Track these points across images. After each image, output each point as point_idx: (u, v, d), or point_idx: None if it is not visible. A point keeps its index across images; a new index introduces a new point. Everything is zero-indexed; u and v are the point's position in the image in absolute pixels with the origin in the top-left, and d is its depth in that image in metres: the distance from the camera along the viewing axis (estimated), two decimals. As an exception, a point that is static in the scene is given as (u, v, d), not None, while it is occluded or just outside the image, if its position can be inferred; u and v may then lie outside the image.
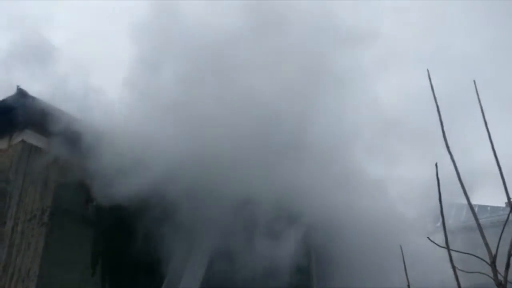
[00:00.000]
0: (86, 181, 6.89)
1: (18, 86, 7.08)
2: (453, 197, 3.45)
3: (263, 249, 7.60)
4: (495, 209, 13.00)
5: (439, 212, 2.90)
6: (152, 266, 7.46)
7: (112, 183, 6.83)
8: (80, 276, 7.20)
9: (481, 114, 3.22)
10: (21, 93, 7.10)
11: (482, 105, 3.25)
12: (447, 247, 2.63)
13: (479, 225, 2.80)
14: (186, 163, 7.24)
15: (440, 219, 2.87)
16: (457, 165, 2.99)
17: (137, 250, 7.23)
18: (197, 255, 7.74)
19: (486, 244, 2.70)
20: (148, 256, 7.33)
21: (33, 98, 7.19)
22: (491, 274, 2.66)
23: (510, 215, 2.64)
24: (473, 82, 3.39)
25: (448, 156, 3.00)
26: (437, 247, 2.87)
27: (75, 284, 7.11)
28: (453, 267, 2.63)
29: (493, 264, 2.66)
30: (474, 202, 3.07)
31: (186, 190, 7.24)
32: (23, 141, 7.27)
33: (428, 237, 2.88)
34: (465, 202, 2.97)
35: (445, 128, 3.15)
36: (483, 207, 12.92)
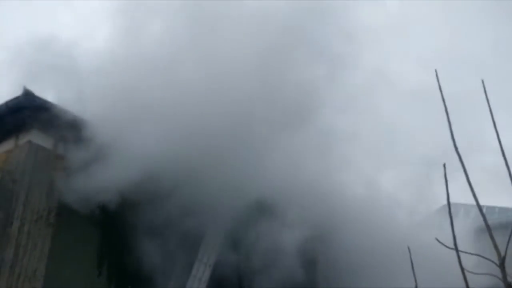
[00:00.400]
0: (91, 181, 6.88)
1: (24, 87, 7.10)
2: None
3: (266, 244, 7.56)
4: (503, 210, 12.88)
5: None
6: (158, 266, 7.45)
7: (109, 176, 6.80)
8: (86, 277, 7.21)
9: (489, 114, 3.18)
10: (27, 94, 7.12)
11: (490, 105, 3.21)
12: (456, 248, 2.59)
13: (488, 226, 2.76)
14: (179, 149, 7.14)
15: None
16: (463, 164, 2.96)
17: (143, 251, 7.23)
18: (204, 254, 7.72)
19: (495, 246, 2.67)
20: (155, 256, 7.33)
21: (40, 99, 7.21)
22: (500, 276, 2.63)
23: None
24: (481, 82, 3.35)
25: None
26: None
27: (81, 284, 7.13)
28: (462, 269, 2.59)
29: (502, 265, 2.63)
30: (482, 203, 3.03)
31: (186, 182, 7.17)
32: (29, 142, 7.28)
33: (436, 238, 2.84)
34: (473, 203, 2.93)
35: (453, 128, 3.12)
36: (491, 208, 12.81)
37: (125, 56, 7.80)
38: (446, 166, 2.93)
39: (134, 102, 7.44)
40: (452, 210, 2.89)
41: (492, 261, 2.67)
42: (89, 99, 7.50)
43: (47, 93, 7.37)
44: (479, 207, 2.88)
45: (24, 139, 7.35)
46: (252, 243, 7.66)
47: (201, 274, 7.49)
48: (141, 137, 7.05)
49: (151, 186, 7.06)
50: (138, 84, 7.53)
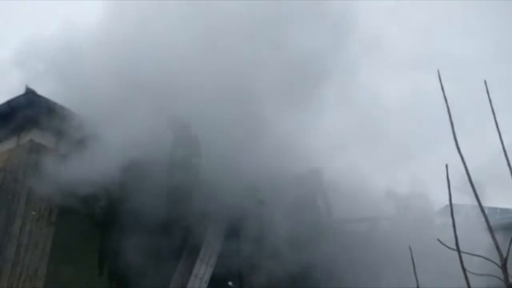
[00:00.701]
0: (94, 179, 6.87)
1: (26, 86, 7.11)
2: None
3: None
4: (505, 211, 12.88)
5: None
6: (159, 266, 7.46)
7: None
8: (88, 276, 7.21)
9: (490, 115, 3.18)
10: (29, 93, 7.13)
11: (492, 105, 3.20)
12: (457, 249, 2.59)
13: (489, 227, 2.76)
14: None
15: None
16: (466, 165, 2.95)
17: (144, 250, 7.23)
18: (205, 253, 7.72)
19: (497, 247, 2.67)
20: (156, 256, 7.33)
21: (41, 97, 7.22)
22: (502, 276, 2.62)
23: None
24: (482, 83, 3.34)
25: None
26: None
27: (83, 284, 7.12)
28: (463, 270, 2.59)
29: (504, 266, 2.62)
30: (484, 204, 3.03)
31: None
32: (31, 141, 7.29)
33: (438, 239, 2.84)
34: (476, 203, 2.93)
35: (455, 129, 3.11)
36: (493, 209, 12.81)
37: (117, 40, 7.75)
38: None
39: (126, 87, 7.39)
40: (454, 210, 2.88)
41: (494, 262, 2.66)
42: (81, 87, 7.49)
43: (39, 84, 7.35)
44: (481, 208, 2.87)
45: (26, 138, 7.36)
46: (250, 234, 7.66)
47: (202, 273, 7.49)
48: (132, 126, 7.02)
49: (147, 174, 7.05)
50: (130, 67, 7.47)
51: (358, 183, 8.97)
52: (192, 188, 7.36)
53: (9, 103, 7.29)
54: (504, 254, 2.63)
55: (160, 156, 7.18)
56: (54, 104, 7.22)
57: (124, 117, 7.19)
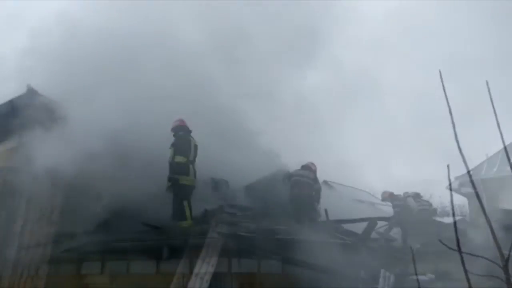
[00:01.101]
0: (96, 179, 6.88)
1: (28, 85, 7.11)
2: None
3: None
4: (506, 211, 12.88)
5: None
6: (160, 264, 7.45)
7: None
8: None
9: (492, 116, 3.18)
10: (31, 92, 7.13)
11: (494, 106, 3.20)
12: (459, 249, 2.59)
13: (491, 228, 2.75)
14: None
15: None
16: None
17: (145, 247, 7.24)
18: (206, 253, 7.70)
19: (499, 247, 2.66)
20: (158, 253, 7.33)
21: (43, 97, 7.22)
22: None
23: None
24: (482, 84, 3.34)
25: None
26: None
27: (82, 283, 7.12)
28: (465, 270, 2.58)
29: (505, 267, 2.61)
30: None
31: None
32: (32, 140, 7.29)
33: (439, 240, 2.84)
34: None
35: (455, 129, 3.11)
36: (494, 209, 12.80)
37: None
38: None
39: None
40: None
41: (495, 263, 2.66)
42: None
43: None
44: (483, 208, 2.87)
45: (27, 137, 7.36)
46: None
47: (203, 272, 7.47)
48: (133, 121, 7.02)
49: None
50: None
51: (354, 181, 9.03)
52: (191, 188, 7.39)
53: (10, 102, 7.30)
54: (506, 255, 2.63)
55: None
56: (55, 103, 7.23)
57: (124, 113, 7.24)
